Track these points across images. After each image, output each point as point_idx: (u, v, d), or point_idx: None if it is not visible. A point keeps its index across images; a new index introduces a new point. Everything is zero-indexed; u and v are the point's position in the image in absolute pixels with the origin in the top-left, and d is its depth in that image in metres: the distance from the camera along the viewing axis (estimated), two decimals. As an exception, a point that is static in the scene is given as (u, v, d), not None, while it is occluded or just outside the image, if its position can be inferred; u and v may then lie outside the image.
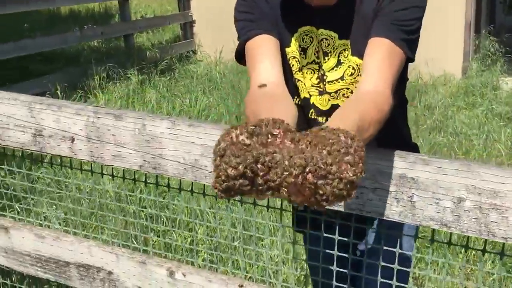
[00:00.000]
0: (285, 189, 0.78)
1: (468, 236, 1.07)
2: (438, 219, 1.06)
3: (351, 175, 0.77)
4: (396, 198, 1.09)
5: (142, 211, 2.86)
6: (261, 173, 0.78)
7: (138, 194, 2.83)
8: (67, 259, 1.52)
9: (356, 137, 0.81)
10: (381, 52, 1.13)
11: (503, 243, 1.04)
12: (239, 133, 0.82)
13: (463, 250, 2.49)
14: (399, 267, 1.14)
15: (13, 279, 1.76)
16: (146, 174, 1.35)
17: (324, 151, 0.78)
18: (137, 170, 1.34)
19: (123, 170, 1.41)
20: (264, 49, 1.20)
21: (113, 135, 1.34)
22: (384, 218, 1.11)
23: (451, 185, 1.04)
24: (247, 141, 0.80)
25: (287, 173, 0.77)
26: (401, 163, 1.08)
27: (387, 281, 1.15)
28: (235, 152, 0.78)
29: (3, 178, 1.61)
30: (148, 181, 1.40)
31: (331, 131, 0.81)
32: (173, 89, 5.90)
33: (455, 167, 1.04)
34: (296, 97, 1.30)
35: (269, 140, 0.81)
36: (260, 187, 0.79)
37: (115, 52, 7.49)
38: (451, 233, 1.10)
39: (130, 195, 2.83)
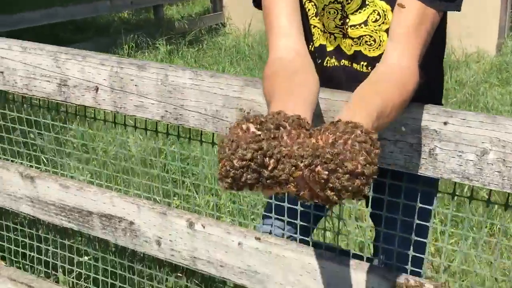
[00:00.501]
0: (293, 184, 0.77)
1: (490, 191, 1.05)
2: (460, 172, 1.04)
3: (362, 169, 0.74)
4: (417, 151, 1.07)
5: (165, 176, 2.89)
6: (268, 166, 0.76)
7: (161, 159, 2.86)
8: (90, 209, 1.55)
9: (371, 133, 0.78)
10: (409, 19, 1.05)
11: (526, 198, 1.02)
12: (249, 125, 0.80)
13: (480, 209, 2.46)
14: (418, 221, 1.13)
15: (39, 231, 1.80)
16: (168, 125, 1.36)
17: (335, 143, 0.75)
18: (159, 121, 1.35)
19: (146, 122, 1.42)
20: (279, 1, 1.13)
21: (135, 85, 1.35)
22: (405, 171, 1.10)
23: (475, 138, 1.02)
24: (257, 133, 0.78)
25: (294, 166, 0.75)
26: (425, 115, 1.06)
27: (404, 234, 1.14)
28: (243, 143, 0.76)
29: (30, 129, 1.64)
30: (170, 133, 1.40)
31: (346, 125, 0.78)
32: (200, 60, 5.90)
33: (480, 119, 1.01)
34: (310, 44, 1.25)
35: (278, 134, 0.79)
36: (267, 181, 0.77)
37: (144, 24, 7.52)
38: (472, 189, 1.08)
39: (154, 160, 2.86)
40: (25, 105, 1.58)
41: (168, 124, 1.36)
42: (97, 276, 1.70)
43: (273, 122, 0.80)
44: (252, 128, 0.79)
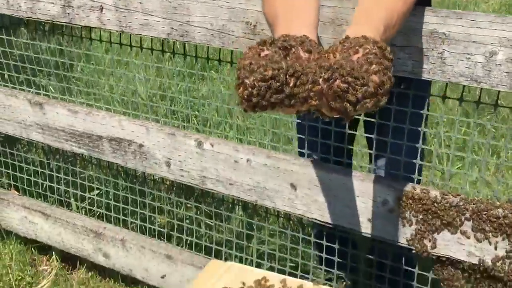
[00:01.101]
0: (314, 99, 0.76)
1: (498, 93, 1.04)
2: (468, 75, 1.03)
3: (379, 80, 0.74)
4: (426, 55, 1.06)
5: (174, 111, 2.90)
6: (289, 84, 0.76)
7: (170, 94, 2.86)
8: (99, 133, 1.57)
9: (384, 46, 0.78)
10: None
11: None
12: (263, 47, 0.80)
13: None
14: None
15: (49, 158, 1.83)
16: (174, 42, 1.35)
17: (351, 58, 0.76)
18: (165, 39, 1.34)
19: (151, 41, 1.41)
20: None
21: (140, 3, 1.34)
22: (413, 77, 1.09)
23: (483, 39, 1.00)
24: (274, 55, 0.78)
25: (313, 82, 0.75)
26: (433, 18, 1.04)
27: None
28: (262, 63, 0.76)
29: (37, 55, 1.64)
30: (176, 52, 1.40)
31: (358, 40, 0.78)
32: None
33: (489, 20, 1.00)
34: None
35: (294, 53, 0.80)
36: (288, 99, 0.77)
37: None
38: (480, 93, 1.07)
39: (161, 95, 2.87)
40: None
41: (174, 42, 1.35)
42: (108, 202, 1.74)
43: (286, 43, 0.81)
44: (267, 50, 0.79)
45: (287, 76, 0.75)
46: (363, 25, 0.86)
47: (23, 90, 1.73)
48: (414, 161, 1.21)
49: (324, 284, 1.23)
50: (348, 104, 0.74)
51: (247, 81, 0.75)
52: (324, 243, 1.40)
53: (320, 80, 0.74)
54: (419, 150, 1.20)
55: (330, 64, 0.75)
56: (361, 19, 0.90)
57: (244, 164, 1.37)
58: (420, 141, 1.20)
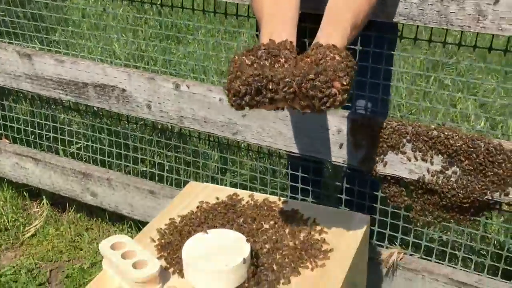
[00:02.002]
0: (289, 99, 0.93)
1: (431, 29, 1.23)
2: (406, 14, 1.21)
3: (340, 84, 0.91)
4: (370, -1, 1.24)
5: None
6: (268, 88, 0.92)
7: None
8: (85, 80, 1.72)
9: (348, 57, 0.96)
10: None
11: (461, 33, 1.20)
12: (248, 56, 0.97)
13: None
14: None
15: (36, 104, 1.97)
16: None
17: (318, 65, 0.94)
18: (143, -10, 1.49)
19: None
20: None
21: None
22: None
23: (418, -18, 1.18)
24: (256, 62, 0.96)
25: (289, 87, 0.92)
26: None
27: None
28: (246, 71, 0.92)
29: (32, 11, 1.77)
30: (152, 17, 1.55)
31: (327, 49, 0.96)
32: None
33: (422, -34, 1.17)
34: None
35: (274, 61, 0.97)
36: (268, 99, 0.93)
37: None
38: (417, 30, 1.25)
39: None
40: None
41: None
42: (95, 145, 1.89)
43: (267, 51, 0.99)
44: (253, 58, 0.97)
45: (267, 81, 0.93)
46: (333, 30, 1.02)
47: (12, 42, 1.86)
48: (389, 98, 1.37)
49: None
50: (316, 103, 0.93)
51: (233, 85, 0.93)
52: (289, 171, 1.58)
53: (294, 84, 0.92)
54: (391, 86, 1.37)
55: (302, 70, 0.93)
56: (331, 20, 1.06)
57: (217, 103, 1.54)
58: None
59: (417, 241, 1.45)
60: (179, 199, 1.31)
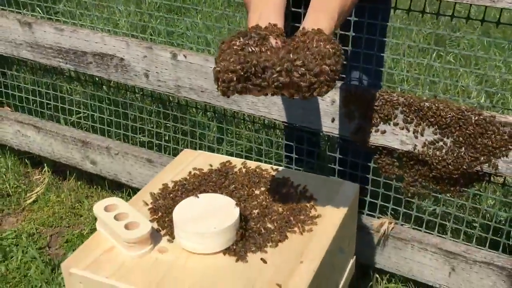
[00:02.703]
0: (276, 86, 0.93)
1: (439, 3, 1.23)
2: (399, -15, 1.22)
3: (327, 70, 0.91)
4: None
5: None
6: (255, 74, 0.91)
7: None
8: (84, 49, 1.73)
9: (335, 43, 0.95)
10: None
11: None
12: (236, 42, 0.96)
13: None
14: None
15: (42, 77, 1.99)
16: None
17: (306, 53, 0.92)
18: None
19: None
20: None
21: None
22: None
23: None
24: (244, 48, 0.94)
25: (277, 74, 0.92)
26: None
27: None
28: (234, 57, 0.92)
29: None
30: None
31: (313, 34, 0.96)
32: None
33: None
34: None
35: (262, 46, 0.96)
36: (255, 85, 0.93)
37: None
38: (410, 3, 1.26)
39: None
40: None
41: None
42: (95, 115, 1.92)
43: (254, 36, 0.98)
44: (240, 44, 0.96)
45: (254, 68, 0.93)
46: (320, 15, 1.02)
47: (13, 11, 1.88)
48: (382, 69, 1.39)
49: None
50: (304, 90, 0.93)
51: (222, 69, 0.93)
52: (284, 142, 1.61)
53: (283, 72, 0.92)
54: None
55: (288, 57, 0.92)
56: (318, 6, 1.05)
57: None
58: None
59: (408, 211, 1.48)
60: (173, 165, 1.33)
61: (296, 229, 1.11)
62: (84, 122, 1.98)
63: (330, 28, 1.00)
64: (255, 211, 1.15)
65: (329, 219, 1.14)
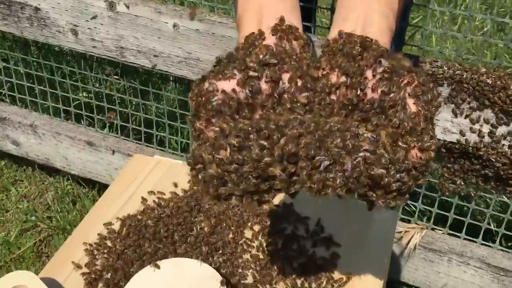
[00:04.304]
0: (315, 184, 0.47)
1: None
2: None
3: (424, 157, 0.46)
4: None
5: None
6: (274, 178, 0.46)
7: None
8: (-19, -5, 1.22)
9: (413, 70, 0.48)
10: None
11: None
12: (217, 102, 0.49)
13: None
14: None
15: None
16: None
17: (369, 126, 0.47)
18: None
19: None
20: None
21: None
22: None
23: None
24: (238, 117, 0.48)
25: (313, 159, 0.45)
26: None
27: None
28: (219, 140, 0.46)
29: None
30: None
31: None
32: None
33: None
34: None
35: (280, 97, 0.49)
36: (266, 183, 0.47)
37: None
38: None
39: None
40: None
41: None
42: (21, 83, 1.43)
43: (259, 73, 0.49)
44: (226, 100, 0.49)
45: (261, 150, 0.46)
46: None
47: None
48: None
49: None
50: (376, 193, 0.47)
51: (202, 168, 0.47)
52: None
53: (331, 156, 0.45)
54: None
55: (354, 133, 0.46)
56: None
57: (170, 30, 1.08)
58: None
59: (443, 212, 1.11)
60: (118, 184, 0.90)
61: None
62: (9, 93, 1.48)
63: (391, 29, 0.53)
64: (248, 274, 0.74)
65: (364, 282, 0.75)
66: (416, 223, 1.12)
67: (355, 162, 0.45)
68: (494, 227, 1.16)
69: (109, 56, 1.18)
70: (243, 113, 0.49)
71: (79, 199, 1.52)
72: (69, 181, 1.56)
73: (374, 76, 0.49)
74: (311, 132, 0.46)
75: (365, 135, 0.46)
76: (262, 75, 0.49)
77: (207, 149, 0.46)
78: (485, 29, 2.05)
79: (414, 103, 0.47)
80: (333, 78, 0.49)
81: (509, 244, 1.22)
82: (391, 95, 0.47)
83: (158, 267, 0.69)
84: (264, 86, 0.49)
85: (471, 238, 1.11)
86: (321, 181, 0.45)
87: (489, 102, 0.92)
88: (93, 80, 1.46)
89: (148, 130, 1.33)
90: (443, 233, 1.13)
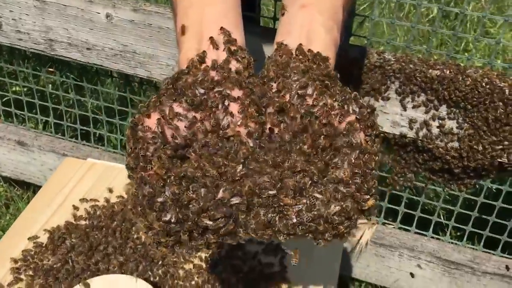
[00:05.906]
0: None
1: None
2: None
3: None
4: None
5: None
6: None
7: None
8: None
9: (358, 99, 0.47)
10: None
11: None
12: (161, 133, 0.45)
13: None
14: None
15: None
16: None
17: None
18: None
19: None
20: None
21: None
22: None
23: None
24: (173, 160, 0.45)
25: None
26: None
27: None
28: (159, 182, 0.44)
29: None
30: None
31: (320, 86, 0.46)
32: None
33: None
34: None
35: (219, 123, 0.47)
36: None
37: None
38: None
39: None
40: None
41: None
42: None
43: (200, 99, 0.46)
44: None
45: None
46: (313, 5, 0.49)
47: None
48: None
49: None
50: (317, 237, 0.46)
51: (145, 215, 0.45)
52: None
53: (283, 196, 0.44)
54: None
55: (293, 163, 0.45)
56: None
57: (102, 21, 1.00)
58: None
59: (394, 207, 1.08)
60: (47, 192, 0.82)
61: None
62: None
63: (335, 40, 0.49)
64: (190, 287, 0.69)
65: None
66: (367, 219, 1.09)
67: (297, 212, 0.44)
68: (444, 219, 1.14)
69: (37, 50, 1.09)
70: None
71: (12, 202, 1.41)
72: (1, 183, 1.45)
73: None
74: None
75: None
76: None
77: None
78: (431, 16, 2.05)
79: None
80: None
81: (459, 234, 1.22)
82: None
83: (88, 286, 0.62)
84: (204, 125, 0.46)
85: (422, 232, 1.09)
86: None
87: (438, 94, 0.89)
88: (24, 74, 1.36)
89: (85, 128, 1.24)
90: (394, 227, 1.11)
